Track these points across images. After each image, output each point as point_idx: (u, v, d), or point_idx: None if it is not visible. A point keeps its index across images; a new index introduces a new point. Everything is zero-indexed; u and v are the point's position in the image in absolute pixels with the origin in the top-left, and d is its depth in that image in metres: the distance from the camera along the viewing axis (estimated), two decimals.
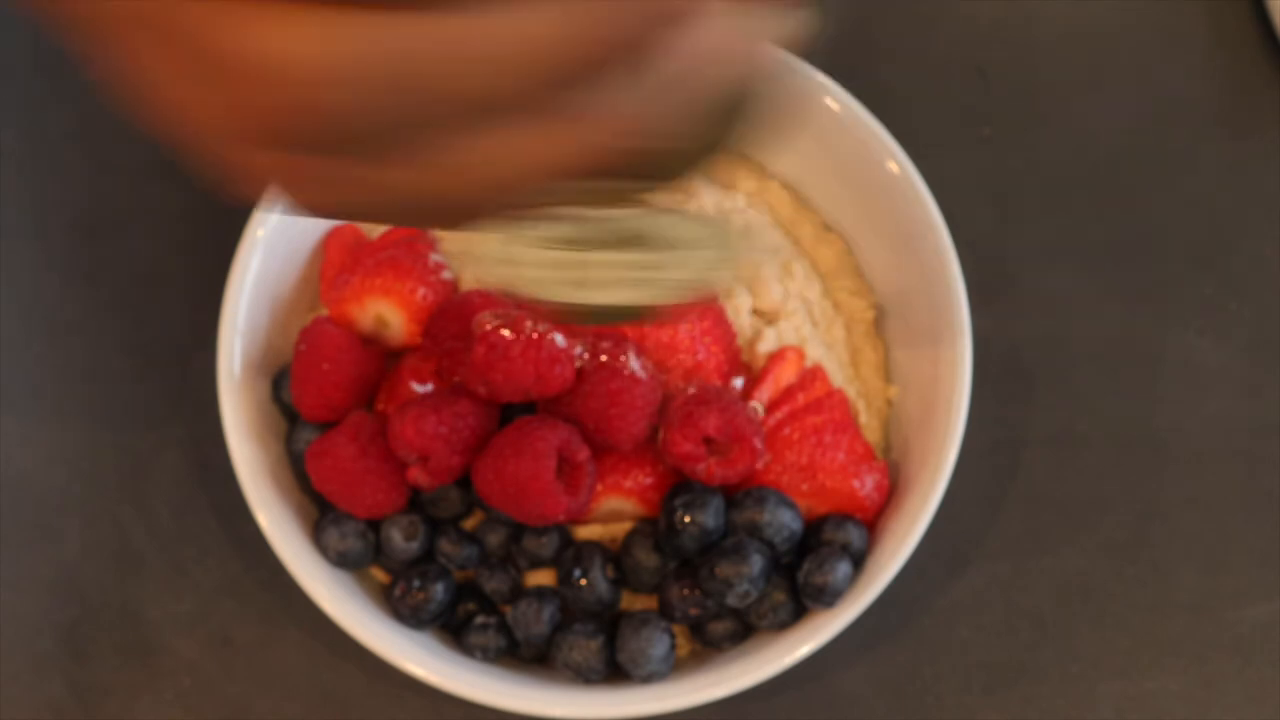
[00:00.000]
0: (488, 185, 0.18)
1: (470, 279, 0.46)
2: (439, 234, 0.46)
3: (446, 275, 0.45)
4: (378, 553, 0.44)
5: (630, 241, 0.25)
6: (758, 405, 0.44)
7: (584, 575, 0.42)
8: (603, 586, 0.43)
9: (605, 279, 0.25)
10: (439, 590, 0.43)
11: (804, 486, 0.43)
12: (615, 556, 0.43)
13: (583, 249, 0.24)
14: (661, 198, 0.23)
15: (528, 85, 0.17)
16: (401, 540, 0.43)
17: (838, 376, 0.46)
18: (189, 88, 0.17)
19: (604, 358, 0.41)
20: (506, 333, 0.40)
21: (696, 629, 0.44)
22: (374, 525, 0.43)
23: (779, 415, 0.44)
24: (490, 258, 0.24)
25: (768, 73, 0.20)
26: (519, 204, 0.20)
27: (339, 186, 0.18)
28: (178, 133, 0.18)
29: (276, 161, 0.18)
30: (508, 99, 0.17)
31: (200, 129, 0.18)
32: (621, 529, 0.44)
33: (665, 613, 0.43)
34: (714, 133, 0.21)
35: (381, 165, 0.18)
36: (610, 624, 0.43)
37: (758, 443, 0.42)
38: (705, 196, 0.47)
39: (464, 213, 0.20)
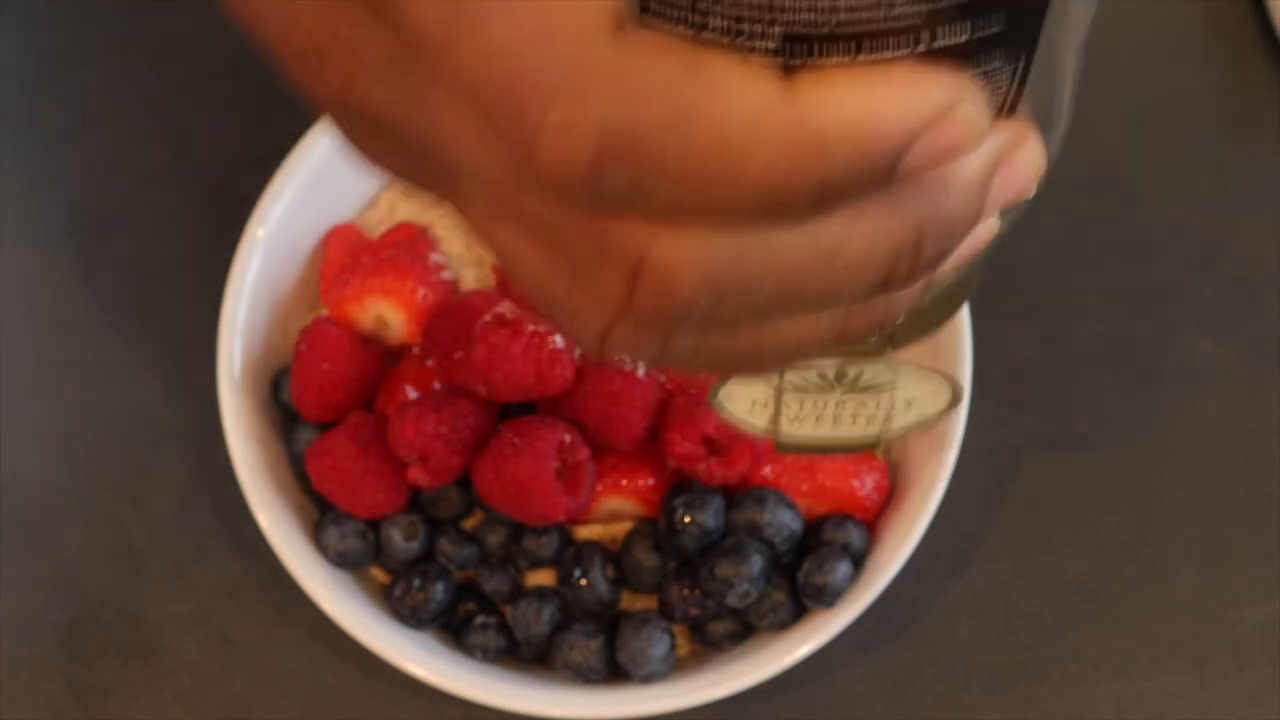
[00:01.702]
0: (786, 353, 0.22)
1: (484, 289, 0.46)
2: (440, 234, 0.46)
3: (446, 275, 0.45)
4: (378, 553, 0.44)
5: (862, 388, 0.30)
6: None
7: (584, 575, 0.42)
8: (603, 586, 0.43)
9: (842, 417, 0.31)
10: (439, 590, 0.43)
11: (804, 486, 0.43)
12: (615, 556, 0.43)
13: (827, 393, 0.30)
14: (889, 356, 0.30)
15: (859, 290, 0.20)
16: (401, 540, 0.43)
17: None
18: (572, 279, 0.20)
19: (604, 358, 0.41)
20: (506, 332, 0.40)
21: (696, 629, 0.44)
22: (374, 525, 0.43)
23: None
24: (756, 401, 0.31)
25: (981, 255, 0.24)
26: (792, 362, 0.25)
27: (669, 352, 0.22)
28: (553, 312, 0.22)
29: (625, 334, 0.21)
30: (838, 298, 0.21)
31: (577, 313, 0.21)
32: (621, 529, 0.44)
33: (665, 613, 0.43)
34: (945, 311, 0.27)
35: (707, 336, 0.21)
36: (610, 624, 0.43)
37: (757, 442, 0.42)
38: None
39: (757, 369, 0.27)
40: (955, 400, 0.33)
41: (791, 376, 0.30)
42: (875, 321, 0.22)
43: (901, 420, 0.31)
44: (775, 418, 0.31)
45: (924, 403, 0.32)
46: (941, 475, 0.42)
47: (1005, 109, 0.20)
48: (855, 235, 0.19)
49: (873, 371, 0.30)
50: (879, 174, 0.18)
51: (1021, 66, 0.19)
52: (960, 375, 0.43)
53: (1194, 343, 0.50)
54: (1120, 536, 0.48)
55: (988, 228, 0.23)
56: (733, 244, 0.19)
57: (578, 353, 0.41)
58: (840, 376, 0.30)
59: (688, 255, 0.19)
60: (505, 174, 0.19)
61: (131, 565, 0.48)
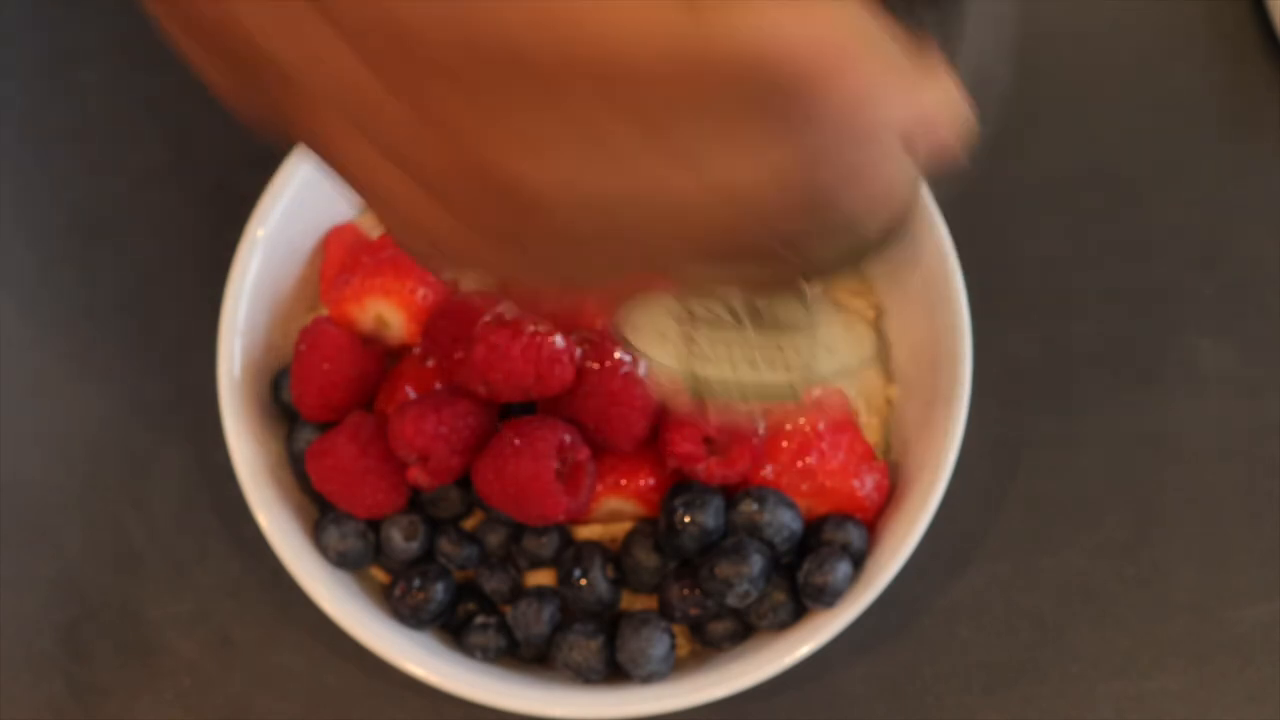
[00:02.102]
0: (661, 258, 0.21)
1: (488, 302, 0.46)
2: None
3: (446, 275, 0.45)
4: (378, 553, 0.44)
5: (776, 328, 0.28)
6: None
7: (584, 575, 0.42)
8: (603, 586, 0.43)
9: (757, 360, 0.28)
10: (439, 590, 0.43)
11: (804, 486, 0.43)
12: (615, 556, 0.43)
13: (739, 331, 0.28)
14: (808, 294, 0.27)
15: (752, 227, 0.19)
16: (401, 540, 0.43)
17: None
18: (421, 190, 0.19)
19: (605, 359, 0.41)
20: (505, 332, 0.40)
21: (696, 629, 0.44)
22: (374, 525, 0.43)
23: (778, 415, 0.44)
24: (664, 335, 0.28)
25: (910, 215, 0.22)
26: (686, 282, 0.23)
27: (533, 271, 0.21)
28: (404, 234, 0.21)
29: (483, 249, 0.20)
30: (729, 236, 0.19)
31: (431, 228, 0.20)
32: (621, 529, 0.44)
33: (665, 613, 0.43)
34: (858, 252, 0.24)
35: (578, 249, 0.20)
36: (610, 624, 0.43)
37: (757, 442, 0.42)
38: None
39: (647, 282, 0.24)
40: (881, 351, 0.31)
41: (697, 309, 0.28)
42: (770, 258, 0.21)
43: (823, 367, 0.29)
44: (686, 357, 0.29)
45: (846, 350, 0.30)
46: (941, 475, 0.42)
47: (931, 56, 0.19)
48: (744, 167, 0.18)
49: (785, 308, 0.28)
50: (767, 97, 0.17)
51: (948, 6, 0.18)
52: (960, 375, 0.43)
53: (1194, 343, 0.50)
54: (1120, 536, 0.48)
55: (904, 176, 0.21)
56: (610, 169, 0.18)
57: (578, 353, 0.41)
58: (751, 311, 0.28)
59: (563, 177, 0.18)
60: (364, 81, 0.18)
61: (131, 565, 0.48)
